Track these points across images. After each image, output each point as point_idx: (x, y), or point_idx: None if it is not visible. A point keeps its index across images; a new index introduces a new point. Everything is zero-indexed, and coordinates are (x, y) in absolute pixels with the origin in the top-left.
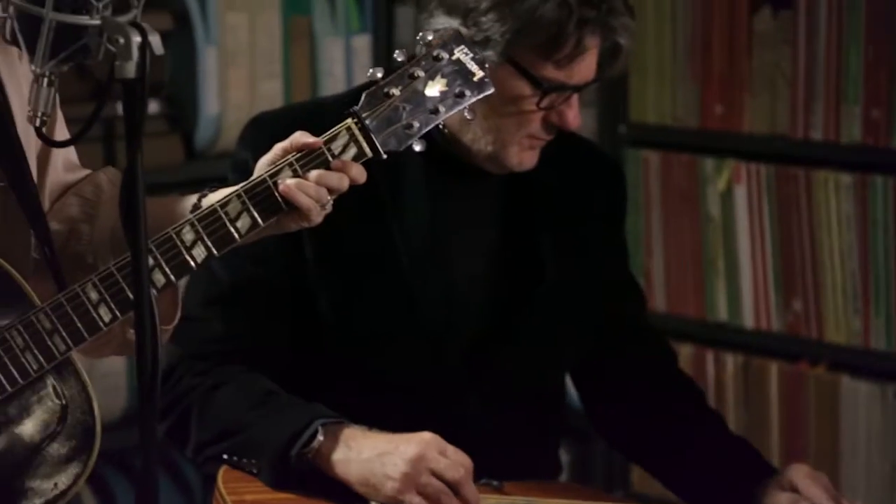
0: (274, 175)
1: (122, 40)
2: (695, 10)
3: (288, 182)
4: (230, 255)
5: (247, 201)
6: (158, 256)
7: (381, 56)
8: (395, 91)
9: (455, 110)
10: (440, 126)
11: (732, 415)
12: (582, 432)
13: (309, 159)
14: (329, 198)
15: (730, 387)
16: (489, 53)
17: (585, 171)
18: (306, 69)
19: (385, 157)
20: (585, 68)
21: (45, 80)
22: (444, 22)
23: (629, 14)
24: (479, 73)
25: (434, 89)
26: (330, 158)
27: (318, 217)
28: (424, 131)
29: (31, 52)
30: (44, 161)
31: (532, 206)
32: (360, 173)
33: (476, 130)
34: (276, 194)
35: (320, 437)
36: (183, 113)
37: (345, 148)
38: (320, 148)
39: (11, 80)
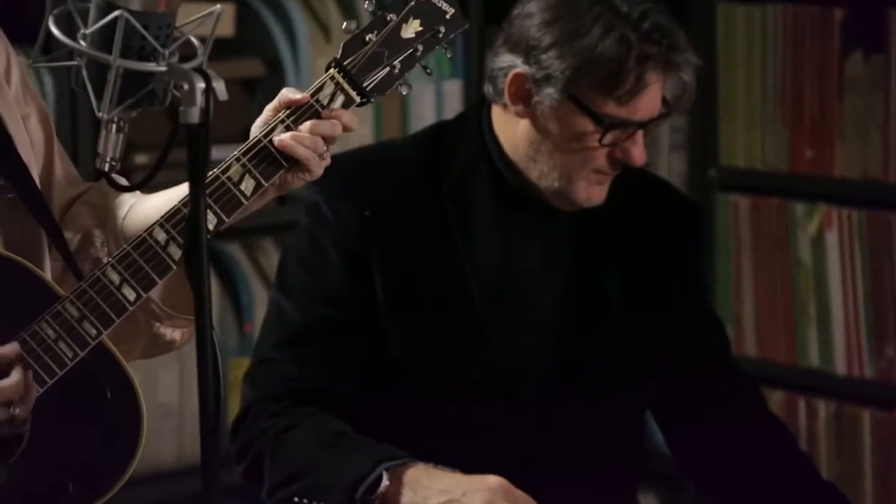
0: (268, 134)
1: (186, 86)
2: (785, 55)
3: (283, 136)
4: (302, 296)
5: (247, 164)
6: (171, 230)
7: (473, 101)
8: (372, 36)
9: (435, 48)
10: (508, 161)
11: (824, 462)
12: (670, 477)
13: (300, 114)
14: (325, 147)
15: (822, 434)
16: (551, 90)
17: (656, 207)
18: (397, 114)
19: (371, 100)
20: (648, 105)
21: (114, 125)
22: (508, 60)
23: (692, 50)
24: (451, 11)
25: (410, 31)
26: (320, 110)
27: (318, 168)
28: (407, 71)
29: (100, 98)
30: (47, 180)
31: (601, 242)
32: (351, 120)
33: (543, 167)
34: (275, 152)
35: (385, 482)
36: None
37: (332, 97)
38: (308, 101)
39: (2, 99)
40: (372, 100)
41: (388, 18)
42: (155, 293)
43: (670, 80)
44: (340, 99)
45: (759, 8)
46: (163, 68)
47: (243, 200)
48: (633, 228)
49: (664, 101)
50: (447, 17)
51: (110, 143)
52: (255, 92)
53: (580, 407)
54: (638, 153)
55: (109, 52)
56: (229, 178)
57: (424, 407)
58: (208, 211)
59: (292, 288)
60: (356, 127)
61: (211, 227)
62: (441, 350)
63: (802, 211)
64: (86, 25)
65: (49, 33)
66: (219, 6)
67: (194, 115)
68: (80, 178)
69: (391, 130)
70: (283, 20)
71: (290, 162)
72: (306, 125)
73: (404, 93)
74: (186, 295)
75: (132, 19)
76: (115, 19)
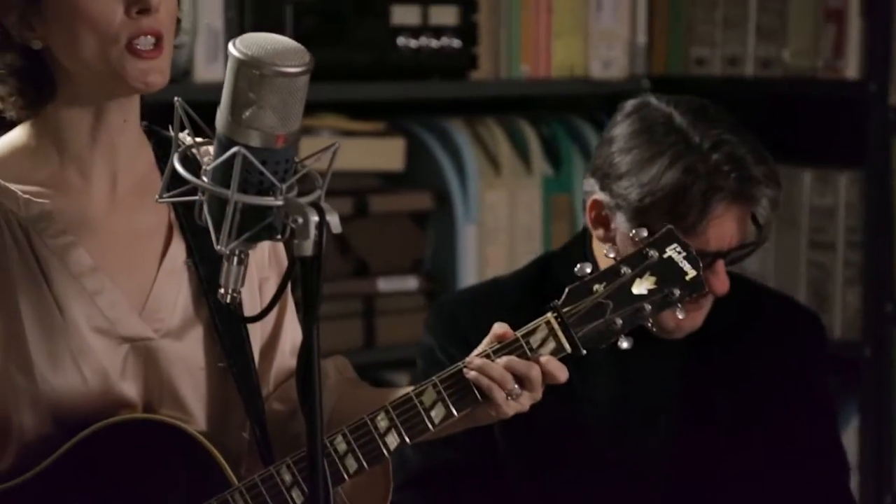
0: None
1: (300, 220)
2: None
3: (474, 362)
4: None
5: (442, 391)
6: (352, 441)
7: None
8: (600, 287)
9: (664, 309)
10: None
11: None
12: None
13: (506, 351)
14: (515, 386)
15: None
16: (623, 218)
17: (774, 328)
18: None
19: (584, 353)
20: (722, 236)
21: (235, 258)
22: (590, 185)
23: (769, 183)
24: (692, 273)
25: (642, 287)
26: (528, 352)
27: (506, 407)
28: (628, 329)
29: (220, 231)
30: (272, 346)
31: (714, 364)
32: (557, 369)
33: None
34: (472, 386)
35: None
36: (442, 289)
37: (543, 342)
38: (518, 341)
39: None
40: (584, 352)
41: (622, 271)
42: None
43: (744, 211)
44: (551, 345)
45: None
46: (279, 202)
47: (430, 427)
48: (746, 350)
49: (758, 225)
50: (686, 278)
51: (232, 276)
52: (424, 224)
53: None
54: (718, 283)
55: (229, 187)
56: (421, 403)
57: None
58: (391, 430)
59: None
60: (563, 379)
61: (392, 447)
62: (558, 481)
63: None
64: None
65: (175, 170)
66: (338, 142)
67: (308, 248)
68: None
69: None
70: (452, 153)
71: (486, 398)
72: (502, 359)
73: (624, 346)
74: (376, 485)
75: (249, 155)
76: (234, 155)
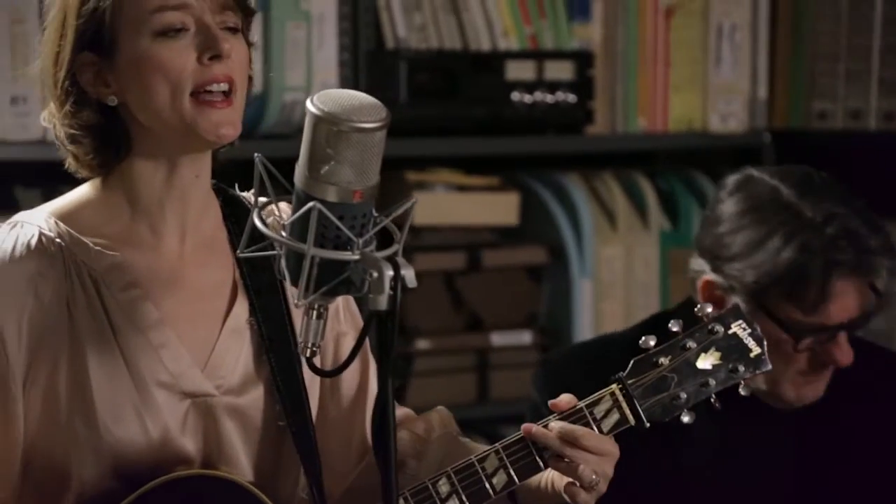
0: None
1: (375, 274)
2: None
3: (530, 425)
4: None
5: (504, 458)
6: (456, 483)
7: None
8: (665, 360)
9: (727, 385)
10: None
11: None
12: None
13: (570, 420)
14: (575, 453)
15: None
16: (737, 300)
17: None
18: None
19: (648, 425)
20: (841, 310)
21: (314, 312)
22: (700, 265)
23: (886, 252)
24: (757, 350)
25: (707, 362)
26: (591, 422)
27: (571, 473)
28: (693, 403)
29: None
30: (361, 399)
31: (829, 436)
32: (605, 447)
33: None
34: (533, 451)
35: None
36: (556, 344)
37: (607, 413)
38: (582, 411)
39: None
40: (647, 424)
41: (687, 345)
42: None
43: (863, 284)
44: (615, 417)
45: None
46: (356, 257)
47: (491, 494)
48: (867, 420)
49: (877, 292)
50: (751, 355)
51: (311, 330)
52: (539, 279)
53: None
54: (842, 355)
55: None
56: (483, 469)
57: None
58: (453, 496)
59: None
60: (617, 455)
61: None
62: None
63: None
64: None
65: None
66: (416, 197)
67: (383, 303)
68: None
69: None
70: (568, 207)
71: (548, 464)
72: (556, 424)
73: (686, 420)
74: None
75: (325, 210)
76: (311, 210)
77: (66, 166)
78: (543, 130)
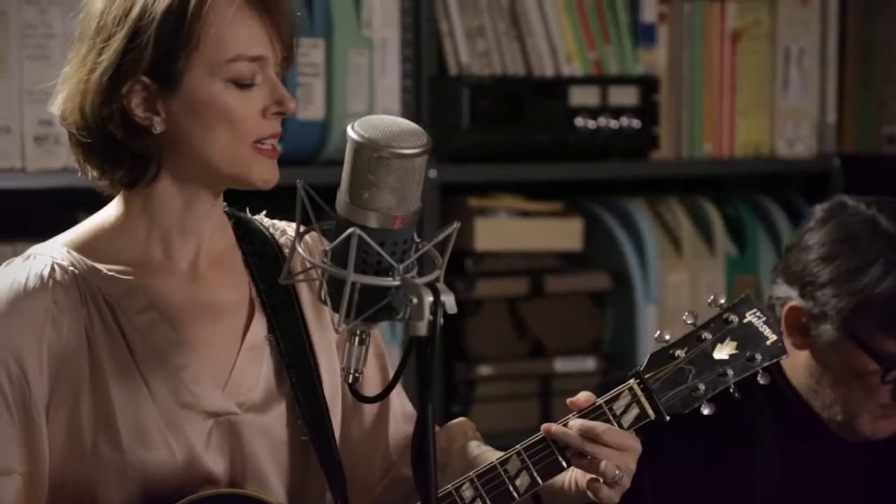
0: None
1: (415, 300)
2: None
3: (550, 424)
4: None
5: (526, 459)
6: (480, 487)
7: None
8: (681, 353)
9: (745, 374)
10: (791, 387)
11: None
12: None
13: (590, 418)
14: (596, 449)
15: None
16: (827, 327)
17: None
18: None
19: (668, 419)
20: None
21: (357, 338)
22: (785, 291)
23: None
24: (773, 337)
25: (723, 352)
26: (611, 418)
27: (594, 469)
28: (711, 395)
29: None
30: (383, 417)
31: None
32: (624, 442)
33: (825, 399)
34: (556, 451)
35: None
36: (621, 370)
37: (626, 408)
38: (601, 407)
39: (323, 339)
40: (667, 418)
41: (703, 336)
42: None
43: None
44: (634, 412)
45: None
46: (396, 283)
47: (515, 496)
48: None
49: None
50: (767, 343)
51: (353, 356)
52: (603, 305)
53: None
54: None
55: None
56: (506, 472)
57: None
58: (477, 500)
59: None
60: (640, 451)
61: None
62: None
63: None
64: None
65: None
66: (457, 223)
67: (422, 329)
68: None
69: None
70: (633, 233)
71: (570, 462)
72: (577, 421)
73: (705, 412)
74: None
75: (365, 236)
76: (351, 236)
77: (81, 173)
78: (607, 156)
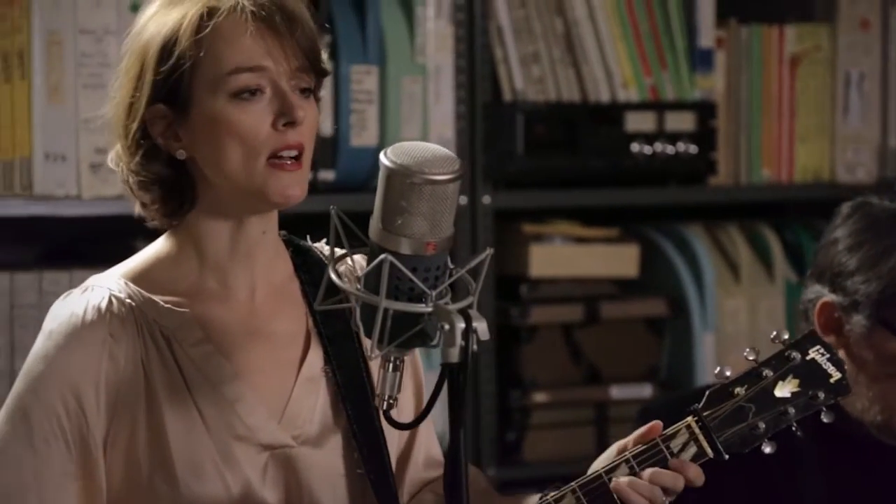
0: (610, 471)
1: (447, 326)
2: None
3: (620, 480)
4: None
5: (581, 497)
6: None
7: None
8: (741, 390)
9: (807, 413)
10: None
11: None
12: None
13: (646, 456)
14: (665, 498)
15: None
16: (859, 317)
17: None
18: None
19: (727, 457)
20: None
21: (391, 364)
22: (816, 290)
23: None
24: (837, 375)
25: (785, 390)
26: (668, 456)
27: None
28: (772, 433)
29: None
30: (405, 457)
31: None
32: (697, 475)
33: (864, 400)
34: (612, 492)
35: None
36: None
37: (684, 446)
38: (658, 445)
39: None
40: (726, 456)
41: (764, 374)
42: None
43: None
44: (692, 450)
45: None
46: (428, 309)
47: None
48: None
49: None
50: (831, 380)
51: (388, 382)
52: (661, 332)
53: None
54: None
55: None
56: None
57: None
58: None
59: None
60: (701, 483)
61: None
62: None
63: None
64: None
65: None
66: (490, 249)
67: (454, 355)
68: (440, 462)
69: None
70: (690, 259)
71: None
72: (647, 472)
73: (767, 451)
74: None
75: (397, 262)
76: (382, 262)
77: (136, 213)
78: (664, 182)
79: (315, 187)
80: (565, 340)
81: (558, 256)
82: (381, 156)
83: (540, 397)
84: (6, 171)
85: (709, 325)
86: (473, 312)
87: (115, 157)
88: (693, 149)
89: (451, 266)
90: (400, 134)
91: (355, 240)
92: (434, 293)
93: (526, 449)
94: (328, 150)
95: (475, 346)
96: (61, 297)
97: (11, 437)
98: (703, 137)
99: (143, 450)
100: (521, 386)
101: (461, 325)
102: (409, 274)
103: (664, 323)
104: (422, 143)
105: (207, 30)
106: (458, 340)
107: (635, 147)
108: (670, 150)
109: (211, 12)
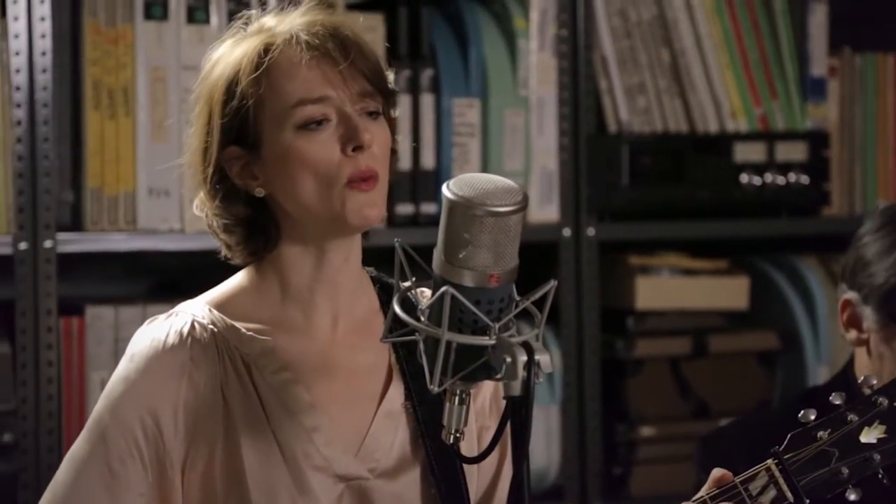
0: None
1: (509, 359)
2: None
3: None
4: None
5: None
6: None
7: None
8: (824, 434)
9: (894, 460)
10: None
11: None
12: None
13: (725, 497)
14: None
15: None
16: (870, 310)
17: None
18: None
19: (808, 502)
20: None
21: (456, 398)
22: (843, 289)
23: None
24: None
25: (871, 436)
26: (746, 499)
27: None
28: (856, 480)
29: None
30: (488, 498)
31: None
32: None
33: None
34: None
35: None
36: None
37: (763, 490)
38: (737, 487)
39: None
40: (807, 501)
41: (849, 418)
42: None
43: None
44: (772, 493)
45: None
46: (491, 341)
47: None
48: None
49: None
50: None
51: (454, 416)
52: (773, 366)
53: None
54: None
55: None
56: None
57: None
58: None
59: None
60: None
61: None
62: None
63: None
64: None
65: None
66: (554, 281)
67: (516, 388)
68: None
69: None
70: (802, 291)
71: None
72: None
73: (852, 498)
74: None
75: (458, 295)
76: (444, 294)
77: (221, 254)
78: (775, 213)
79: (416, 220)
80: (673, 374)
81: (665, 288)
82: (444, 188)
83: (647, 431)
84: (111, 207)
85: (822, 358)
86: (536, 345)
87: (199, 203)
88: (805, 179)
89: (517, 298)
90: (502, 167)
91: (421, 272)
92: (497, 325)
93: (632, 484)
94: (430, 183)
95: (539, 379)
96: (146, 322)
97: (89, 456)
98: (816, 168)
99: (220, 475)
100: (628, 420)
101: (523, 357)
102: (472, 307)
103: (776, 356)
104: (485, 174)
105: (265, 66)
106: (521, 373)
107: (744, 178)
108: (781, 180)
109: (267, 48)
